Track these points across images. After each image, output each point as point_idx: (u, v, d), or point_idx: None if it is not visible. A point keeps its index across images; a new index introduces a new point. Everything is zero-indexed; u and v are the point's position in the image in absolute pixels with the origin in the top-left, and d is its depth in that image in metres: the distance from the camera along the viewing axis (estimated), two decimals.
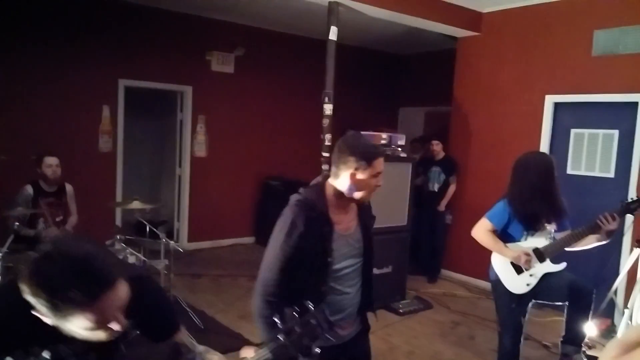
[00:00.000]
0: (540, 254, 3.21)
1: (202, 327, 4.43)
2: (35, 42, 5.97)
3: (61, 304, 1.18)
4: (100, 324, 1.23)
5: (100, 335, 1.28)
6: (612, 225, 3.06)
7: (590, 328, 3.24)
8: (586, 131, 5.41)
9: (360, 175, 2.06)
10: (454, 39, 6.61)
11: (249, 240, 7.96)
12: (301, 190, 2.20)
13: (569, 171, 5.48)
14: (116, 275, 1.24)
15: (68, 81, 6.21)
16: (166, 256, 4.67)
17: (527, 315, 3.33)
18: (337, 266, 2.15)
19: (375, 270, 2.72)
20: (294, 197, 2.17)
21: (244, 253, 7.42)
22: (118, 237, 4.54)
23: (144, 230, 4.79)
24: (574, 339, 3.25)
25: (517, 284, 3.24)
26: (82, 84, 6.30)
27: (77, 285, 1.16)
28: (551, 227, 3.24)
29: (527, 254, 3.16)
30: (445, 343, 4.62)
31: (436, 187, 6.41)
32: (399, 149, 5.44)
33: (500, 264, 3.28)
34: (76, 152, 6.11)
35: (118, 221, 6.72)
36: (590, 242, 3.21)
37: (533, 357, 4.28)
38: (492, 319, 3.90)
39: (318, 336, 1.40)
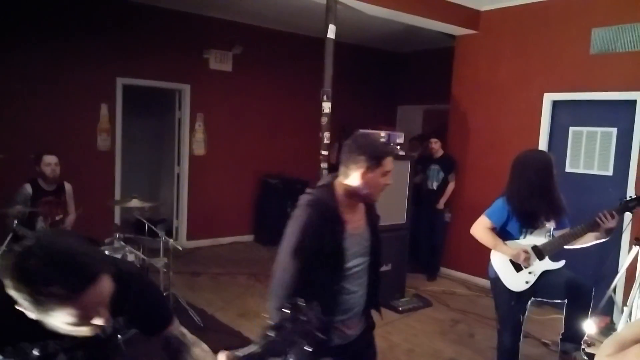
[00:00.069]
0: (539, 252, 3.21)
1: (202, 325, 4.44)
2: (34, 40, 5.94)
3: (43, 298, 1.17)
4: (83, 318, 1.22)
5: (83, 330, 1.27)
6: (611, 223, 3.07)
7: (590, 326, 3.25)
8: (584, 129, 5.41)
9: (370, 174, 2.10)
10: (452, 37, 6.61)
11: (248, 238, 7.96)
12: (311, 190, 2.21)
13: (568, 169, 5.49)
14: (99, 270, 1.22)
15: (66, 79, 6.20)
16: (165, 254, 4.67)
17: (526, 313, 3.34)
18: (347, 265, 2.17)
19: None
20: (304, 198, 2.17)
21: (243, 251, 7.43)
22: (117, 235, 4.53)
23: (143, 228, 4.79)
24: (573, 336, 3.25)
25: (516, 281, 3.24)
26: (81, 82, 6.29)
27: (58, 280, 1.15)
28: (550, 225, 3.25)
29: (526, 252, 3.16)
30: (445, 341, 4.63)
31: (435, 185, 6.41)
32: (398, 147, 5.44)
33: (499, 262, 3.29)
34: (75, 150, 6.10)
35: (117, 219, 6.72)
36: (589, 240, 3.22)
37: (532, 355, 4.29)
38: (492, 317, 3.91)
39: (308, 333, 1.40)
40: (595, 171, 5.33)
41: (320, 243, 2.07)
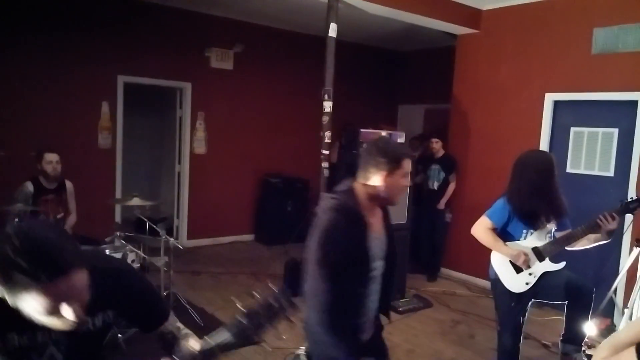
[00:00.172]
0: (539, 253, 3.21)
1: (202, 325, 4.43)
2: (35, 38, 5.94)
3: (11, 284, 1.21)
4: (53, 309, 1.25)
5: (57, 323, 1.29)
6: (612, 225, 3.06)
7: (590, 327, 3.25)
8: (586, 129, 5.40)
9: (391, 176, 2.14)
10: (453, 36, 6.60)
11: (248, 237, 7.96)
12: (333, 195, 2.21)
13: (569, 170, 5.48)
14: (72, 265, 1.25)
15: (67, 77, 6.19)
16: (166, 253, 4.66)
17: (526, 314, 3.33)
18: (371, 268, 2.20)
19: None
20: (328, 202, 2.18)
21: (244, 250, 7.42)
22: (118, 234, 4.53)
23: (144, 227, 4.79)
24: (573, 338, 3.25)
25: (516, 282, 3.24)
26: (82, 80, 6.28)
27: (26, 268, 1.18)
28: (551, 226, 3.24)
29: (526, 254, 3.16)
30: (446, 342, 4.63)
31: (436, 185, 6.41)
32: None
33: (500, 263, 3.28)
34: (75, 148, 6.10)
35: (118, 218, 6.73)
36: (590, 242, 3.21)
37: (533, 356, 4.29)
38: (492, 318, 3.91)
39: (276, 315, 1.42)
40: (596, 172, 5.32)
41: (350, 247, 2.09)
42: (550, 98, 5.62)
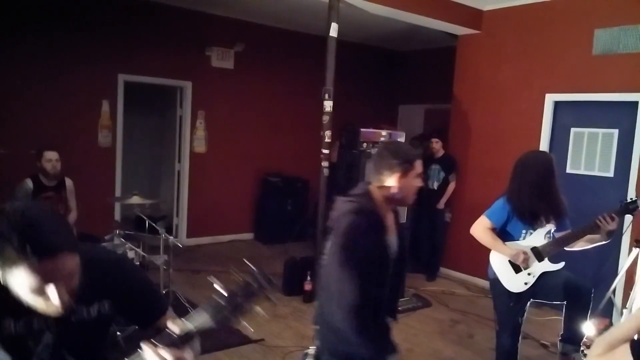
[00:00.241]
0: (538, 253, 3.21)
1: None
2: (36, 37, 5.94)
3: (4, 258, 1.24)
4: (37, 289, 1.26)
5: (42, 304, 1.30)
6: (612, 226, 3.07)
7: (589, 327, 3.25)
8: (586, 130, 5.41)
9: (405, 177, 2.19)
10: (454, 36, 6.60)
11: (248, 236, 7.96)
12: (350, 198, 2.23)
13: (569, 170, 5.48)
14: (63, 249, 1.26)
15: (68, 76, 6.19)
16: (165, 251, 4.66)
17: (525, 314, 3.33)
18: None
19: None
20: (346, 206, 2.19)
21: (243, 249, 7.43)
22: (117, 232, 4.53)
23: (143, 225, 4.79)
24: (572, 338, 3.26)
25: (515, 282, 3.24)
26: (82, 78, 6.28)
27: (17, 243, 1.21)
28: (550, 226, 3.24)
29: (525, 253, 3.16)
30: (445, 341, 4.63)
31: (435, 185, 6.41)
32: None
33: (499, 263, 3.29)
34: (75, 146, 6.10)
35: (117, 216, 6.73)
36: (590, 242, 3.21)
37: (531, 356, 4.29)
38: (491, 318, 3.90)
39: (253, 294, 1.42)
40: (596, 172, 5.32)
41: (373, 248, 2.11)
42: (550, 98, 5.62)
